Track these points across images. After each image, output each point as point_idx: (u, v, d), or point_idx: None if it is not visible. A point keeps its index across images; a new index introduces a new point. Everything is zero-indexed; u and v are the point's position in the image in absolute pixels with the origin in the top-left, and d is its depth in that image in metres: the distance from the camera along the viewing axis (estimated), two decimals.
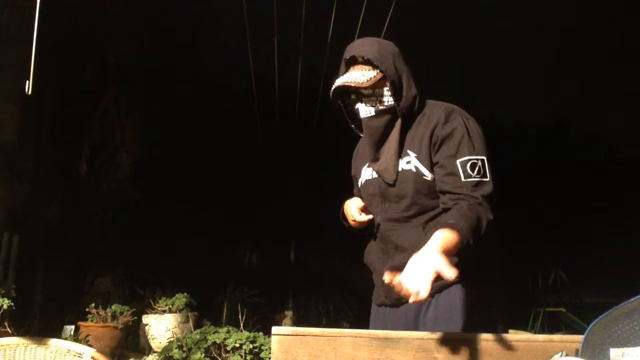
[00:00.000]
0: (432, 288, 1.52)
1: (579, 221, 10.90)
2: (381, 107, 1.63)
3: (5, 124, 5.52)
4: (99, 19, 7.45)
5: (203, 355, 3.53)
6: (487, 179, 1.52)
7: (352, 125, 1.76)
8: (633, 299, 1.04)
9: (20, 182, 5.78)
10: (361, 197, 1.77)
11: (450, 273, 1.21)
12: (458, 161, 1.52)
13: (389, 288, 1.59)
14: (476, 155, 1.53)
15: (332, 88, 1.65)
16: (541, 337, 1.26)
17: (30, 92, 4.58)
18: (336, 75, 1.68)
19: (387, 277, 1.20)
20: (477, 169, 1.51)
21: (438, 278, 1.35)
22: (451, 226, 1.38)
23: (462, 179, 1.50)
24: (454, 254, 1.34)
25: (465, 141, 1.54)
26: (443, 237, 1.34)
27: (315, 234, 9.84)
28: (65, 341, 1.87)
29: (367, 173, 1.71)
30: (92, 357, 1.77)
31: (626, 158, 12.67)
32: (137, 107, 8.26)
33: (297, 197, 10.13)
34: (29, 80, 4.51)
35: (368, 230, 1.71)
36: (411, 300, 1.19)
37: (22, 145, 5.76)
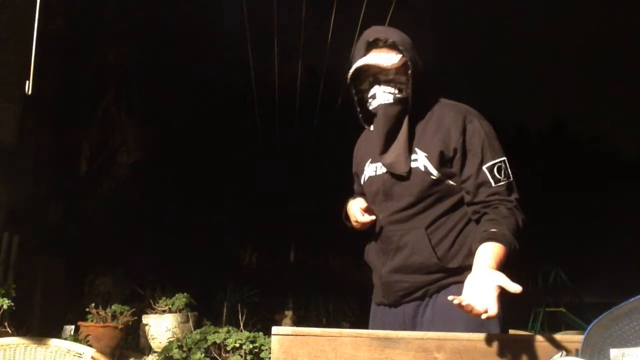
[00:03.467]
0: (431, 289, 1.53)
1: (579, 221, 10.90)
2: (399, 96, 1.58)
3: (5, 124, 5.52)
4: (99, 19, 7.45)
5: (203, 355, 3.53)
6: (511, 179, 1.53)
7: (360, 115, 1.71)
8: (633, 299, 1.04)
9: (20, 182, 5.78)
10: (362, 194, 1.74)
11: (515, 287, 1.20)
12: (485, 167, 1.51)
13: (387, 287, 1.60)
14: (499, 157, 1.53)
15: (353, 68, 1.59)
16: (541, 337, 1.25)
17: (30, 92, 4.58)
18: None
19: (456, 300, 1.19)
20: (502, 171, 1.52)
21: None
22: (495, 236, 1.38)
23: (493, 185, 1.50)
24: (506, 263, 1.34)
25: (486, 146, 1.53)
26: (492, 251, 1.35)
27: (315, 234, 9.84)
28: (65, 341, 1.87)
29: (370, 170, 1.67)
30: (92, 357, 1.77)
31: (626, 158, 12.66)
32: (137, 107, 8.26)
33: (297, 197, 10.13)
34: (29, 80, 4.52)
35: (370, 230, 1.68)
36: (484, 316, 1.18)
37: (22, 145, 5.75)
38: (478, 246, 1.39)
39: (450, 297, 1.21)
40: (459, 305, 1.19)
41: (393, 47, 1.59)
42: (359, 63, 1.58)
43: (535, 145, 12.81)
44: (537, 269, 9.35)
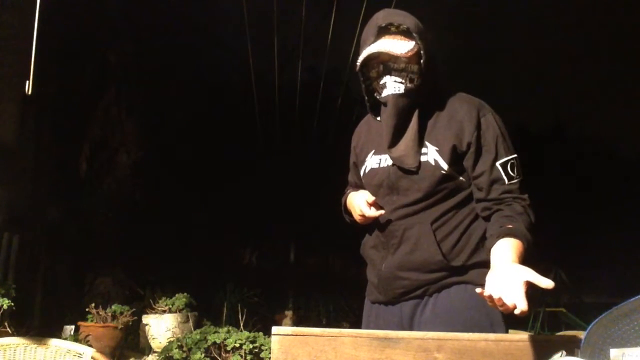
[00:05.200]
0: (431, 287, 1.48)
1: (579, 221, 10.91)
2: (410, 86, 1.49)
3: (5, 124, 5.52)
4: (99, 19, 7.45)
5: (203, 355, 3.52)
6: (522, 177, 1.49)
7: (367, 104, 1.61)
8: (633, 299, 1.04)
9: (20, 182, 5.78)
10: (359, 187, 1.66)
11: (547, 282, 1.12)
12: (498, 164, 1.47)
13: (385, 284, 1.52)
14: (512, 154, 1.49)
15: (364, 55, 1.50)
16: (541, 337, 1.25)
17: (30, 92, 4.58)
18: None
19: (486, 292, 1.14)
20: (515, 168, 1.47)
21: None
22: (512, 232, 1.34)
23: (507, 182, 1.46)
24: (525, 260, 1.29)
25: (500, 141, 1.48)
26: (512, 247, 1.30)
27: (315, 234, 9.85)
28: (65, 341, 1.87)
29: (372, 161, 1.58)
30: (92, 357, 1.77)
31: (626, 158, 12.67)
32: (137, 107, 8.26)
33: (297, 197, 10.14)
34: (29, 80, 4.52)
35: (370, 223, 1.60)
36: (516, 312, 1.12)
37: (22, 145, 5.76)
38: (495, 241, 1.33)
39: (478, 290, 1.15)
40: (489, 297, 1.13)
41: (406, 33, 1.49)
42: (370, 50, 1.48)
43: (535, 146, 12.81)
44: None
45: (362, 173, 1.63)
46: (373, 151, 1.59)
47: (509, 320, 1.48)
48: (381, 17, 1.52)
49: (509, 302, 1.11)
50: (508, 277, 1.17)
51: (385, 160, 1.55)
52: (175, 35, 8.71)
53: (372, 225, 1.60)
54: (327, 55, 8.20)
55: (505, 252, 1.29)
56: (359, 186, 1.68)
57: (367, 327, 1.59)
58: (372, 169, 1.58)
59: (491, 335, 1.26)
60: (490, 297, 1.13)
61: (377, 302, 1.59)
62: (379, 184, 1.55)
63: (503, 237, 1.33)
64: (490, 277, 1.22)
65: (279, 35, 7.68)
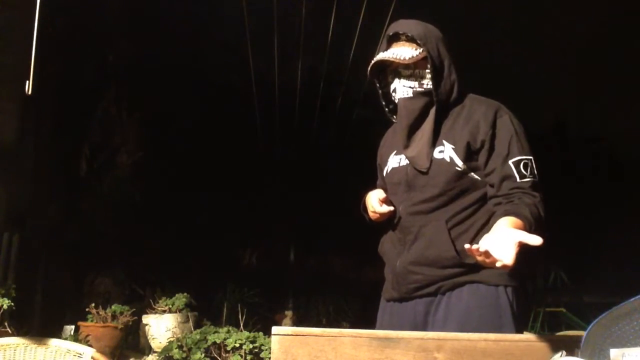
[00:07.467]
0: (444, 285, 1.51)
1: (578, 221, 10.90)
2: (419, 89, 1.59)
3: (5, 124, 5.51)
4: (99, 19, 7.45)
5: (203, 355, 3.53)
6: (537, 179, 1.51)
7: (386, 109, 1.72)
8: (633, 299, 1.04)
9: (20, 182, 5.78)
10: (384, 188, 1.72)
11: (535, 239, 1.19)
12: (511, 162, 1.50)
13: (400, 279, 1.56)
14: (526, 155, 1.52)
15: (372, 63, 1.60)
16: (541, 337, 1.26)
17: (30, 92, 4.58)
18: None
19: (474, 246, 1.19)
20: (529, 169, 1.50)
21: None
22: (515, 214, 1.37)
23: (518, 180, 1.49)
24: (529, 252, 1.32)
25: (514, 141, 1.52)
26: (509, 221, 1.34)
27: (315, 234, 9.85)
28: (65, 341, 1.87)
29: (394, 161, 1.66)
30: (92, 357, 1.77)
31: (626, 158, 12.66)
32: (137, 107, 8.26)
33: (297, 197, 10.14)
34: (29, 80, 4.52)
35: (388, 221, 1.66)
36: (498, 264, 1.18)
37: (22, 145, 5.75)
38: (496, 220, 1.38)
39: (466, 246, 1.20)
40: (476, 251, 1.18)
41: (413, 40, 1.59)
42: (376, 58, 1.59)
43: (534, 145, 12.80)
44: (537, 269, 9.34)
45: (384, 173, 1.70)
46: (395, 152, 1.67)
47: (521, 321, 1.50)
48: (391, 27, 1.64)
49: (497, 256, 1.18)
50: (500, 237, 1.24)
51: (404, 160, 1.63)
52: (175, 34, 8.71)
53: (390, 222, 1.65)
54: (327, 55, 8.20)
55: (503, 223, 1.34)
56: (384, 188, 1.73)
57: (381, 326, 1.62)
58: (393, 169, 1.66)
59: (491, 335, 1.26)
60: (478, 250, 1.18)
61: (391, 299, 1.62)
62: (398, 182, 1.62)
63: (503, 216, 1.38)
64: (484, 238, 1.27)
65: (279, 35, 7.68)
